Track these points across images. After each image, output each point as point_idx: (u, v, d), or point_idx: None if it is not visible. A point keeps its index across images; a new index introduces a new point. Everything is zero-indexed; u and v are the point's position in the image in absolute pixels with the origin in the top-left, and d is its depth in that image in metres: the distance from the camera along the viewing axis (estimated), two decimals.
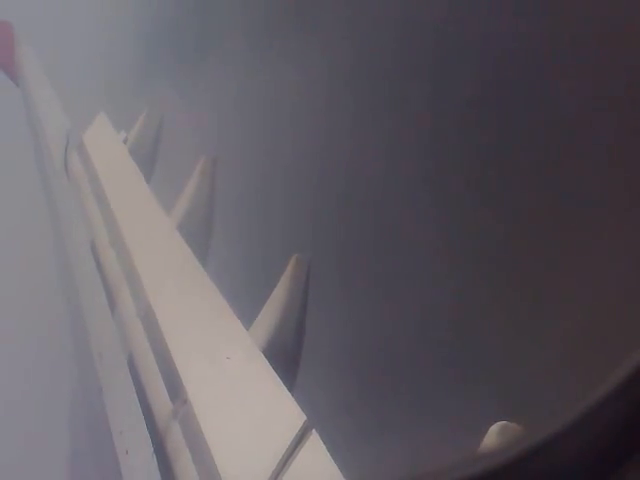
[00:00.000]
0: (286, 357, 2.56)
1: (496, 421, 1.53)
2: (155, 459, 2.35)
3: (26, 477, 4.73)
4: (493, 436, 1.50)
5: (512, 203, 2.31)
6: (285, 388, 2.15)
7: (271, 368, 2.26)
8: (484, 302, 2.21)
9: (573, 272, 1.96)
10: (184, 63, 4.98)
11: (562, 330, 1.92)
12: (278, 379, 2.19)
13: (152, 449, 2.38)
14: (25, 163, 5.77)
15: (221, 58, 4.40)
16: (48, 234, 4.89)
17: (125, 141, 4.42)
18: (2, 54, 6.02)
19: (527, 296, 2.07)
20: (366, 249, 2.93)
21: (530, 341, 1.99)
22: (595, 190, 1.98)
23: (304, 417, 1.98)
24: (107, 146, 4.38)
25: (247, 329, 2.53)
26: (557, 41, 2.16)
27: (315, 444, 1.92)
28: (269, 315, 2.66)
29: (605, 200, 1.95)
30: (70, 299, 4.09)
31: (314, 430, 1.95)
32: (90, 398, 3.24)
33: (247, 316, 2.61)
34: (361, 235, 2.99)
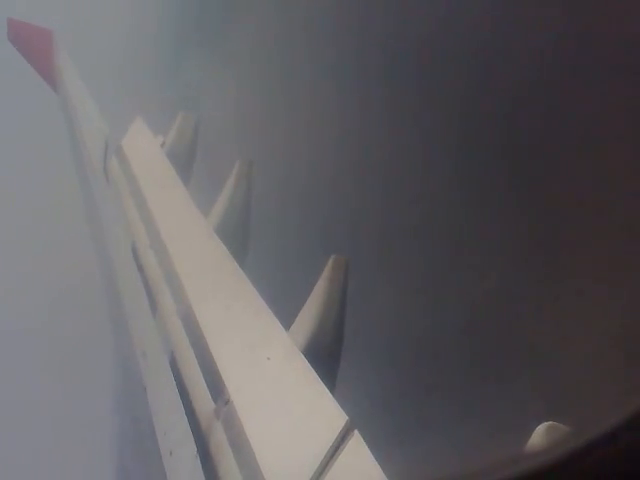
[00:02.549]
0: (326, 357, 2.56)
1: (543, 421, 1.52)
2: (199, 460, 2.37)
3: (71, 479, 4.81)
4: (540, 436, 1.49)
5: (542, 200, 2.29)
6: (326, 388, 2.16)
7: (311, 368, 2.26)
8: (531, 301, 2.18)
9: (617, 269, 1.93)
10: (211, 43, 5.01)
11: (611, 333, 1.90)
12: (319, 379, 2.20)
13: (195, 450, 2.40)
14: (64, 169, 5.86)
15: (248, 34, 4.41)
16: (87, 237, 4.96)
17: (162, 145, 4.46)
18: (42, 61, 6.10)
19: (575, 296, 2.05)
20: (404, 248, 2.91)
21: (578, 342, 1.97)
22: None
23: (346, 417, 1.98)
24: (145, 150, 4.42)
25: (286, 330, 2.54)
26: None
27: (357, 444, 1.92)
28: (308, 316, 2.66)
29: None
30: (112, 300, 4.15)
31: (356, 430, 1.94)
32: (134, 398, 3.28)
33: (286, 317, 2.62)
34: (398, 234, 2.97)
